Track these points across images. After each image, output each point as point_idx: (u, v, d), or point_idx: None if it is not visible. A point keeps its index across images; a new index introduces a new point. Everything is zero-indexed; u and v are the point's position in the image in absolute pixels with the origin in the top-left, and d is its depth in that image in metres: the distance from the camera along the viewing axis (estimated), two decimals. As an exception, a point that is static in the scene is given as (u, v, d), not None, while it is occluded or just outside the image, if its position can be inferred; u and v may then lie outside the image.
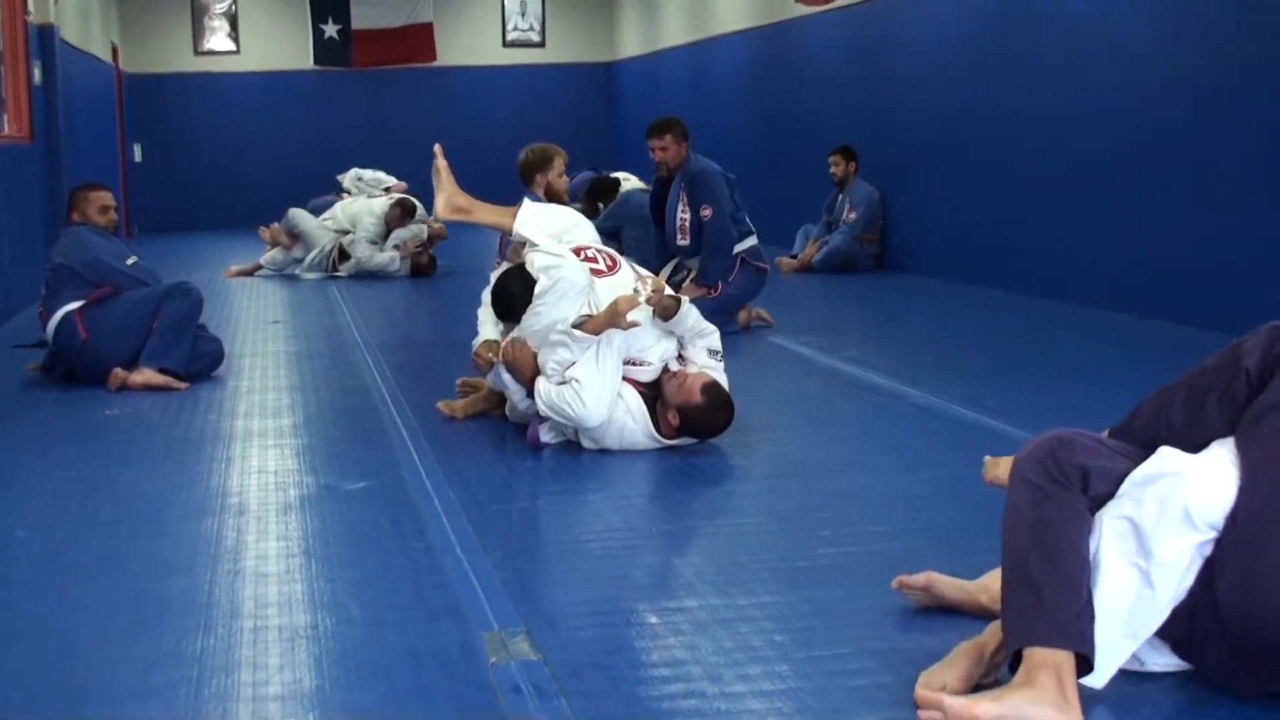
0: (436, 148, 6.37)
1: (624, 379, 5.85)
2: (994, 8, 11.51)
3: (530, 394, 5.91)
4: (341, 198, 15.04)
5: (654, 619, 3.93)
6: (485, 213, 6.31)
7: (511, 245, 6.39)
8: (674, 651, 3.64)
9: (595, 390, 5.68)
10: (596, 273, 6.02)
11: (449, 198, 6.29)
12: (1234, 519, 3.01)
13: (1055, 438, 3.20)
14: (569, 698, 3.32)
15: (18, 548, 4.83)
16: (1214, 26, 8.78)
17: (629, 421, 5.80)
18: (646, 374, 5.91)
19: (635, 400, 5.82)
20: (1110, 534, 3.08)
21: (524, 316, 5.95)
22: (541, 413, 5.83)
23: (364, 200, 14.47)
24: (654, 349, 5.90)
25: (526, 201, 6.36)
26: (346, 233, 13.91)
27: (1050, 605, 3.01)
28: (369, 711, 3.30)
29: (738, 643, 3.68)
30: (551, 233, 6.18)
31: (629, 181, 12.96)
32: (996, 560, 3.94)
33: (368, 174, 15.93)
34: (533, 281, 5.94)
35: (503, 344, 6.07)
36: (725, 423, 5.88)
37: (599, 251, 6.21)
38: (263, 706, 3.35)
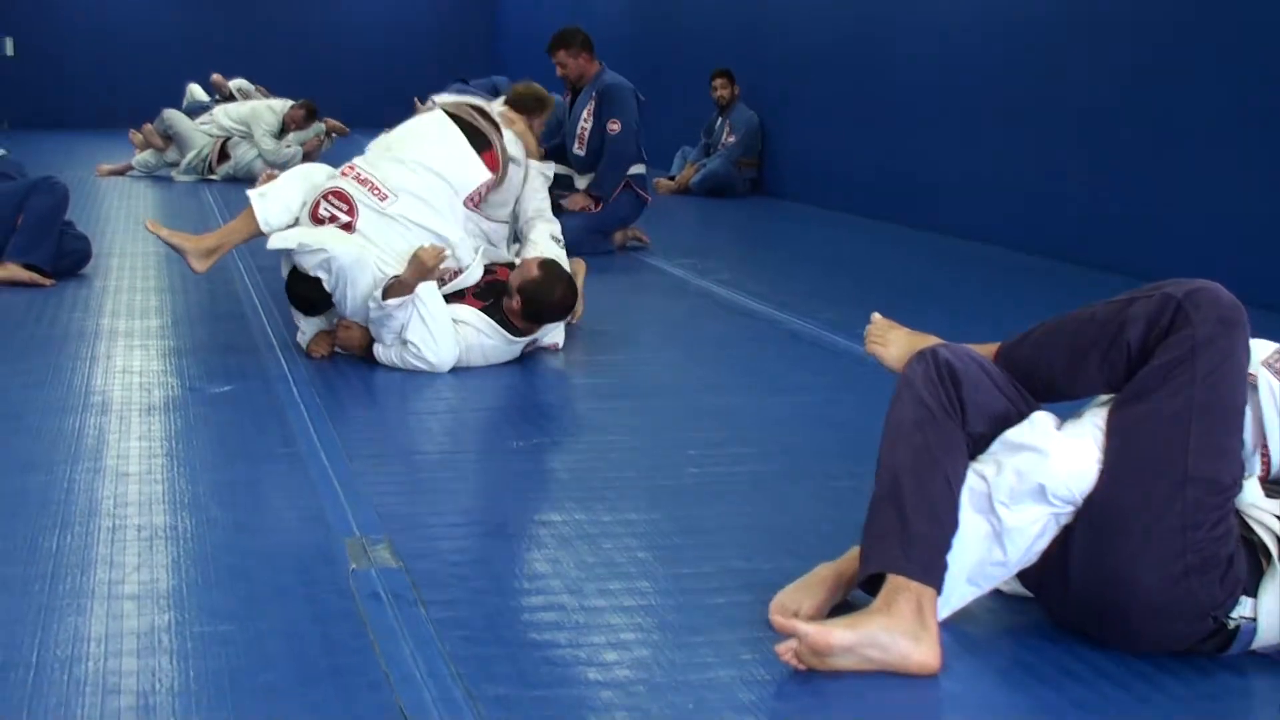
0: (148, 223, 6.07)
1: (460, 301, 5.83)
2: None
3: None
4: (215, 103, 14.84)
5: (516, 531, 3.94)
6: (231, 235, 5.98)
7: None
8: (536, 565, 3.66)
9: (433, 343, 5.65)
10: (345, 227, 5.77)
11: (192, 250, 5.92)
12: (1090, 502, 3.01)
13: (947, 360, 3.16)
14: (427, 606, 3.32)
15: None
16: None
17: (483, 340, 5.78)
18: (472, 277, 5.89)
19: (478, 318, 5.79)
20: (969, 485, 3.10)
21: (337, 307, 5.82)
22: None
23: (259, 100, 14.39)
24: (463, 249, 5.88)
25: (251, 196, 5.93)
26: (227, 137, 13.75)
27: (915, 536, 3.02)
28: (226, 613, 3.28)
29: (600, 558, 3.69)
30: (297, 204, 5.91)
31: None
32: (855, 484, 4.01)
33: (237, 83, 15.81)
34: (315, 278, 5.73)
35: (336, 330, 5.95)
36: (565, 295, 5.85)
37: (331, 197, 5.85)
38: (118, 605, 3.31)
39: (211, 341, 6.31)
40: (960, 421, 3.11)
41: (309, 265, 5.67)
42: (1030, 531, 3.05)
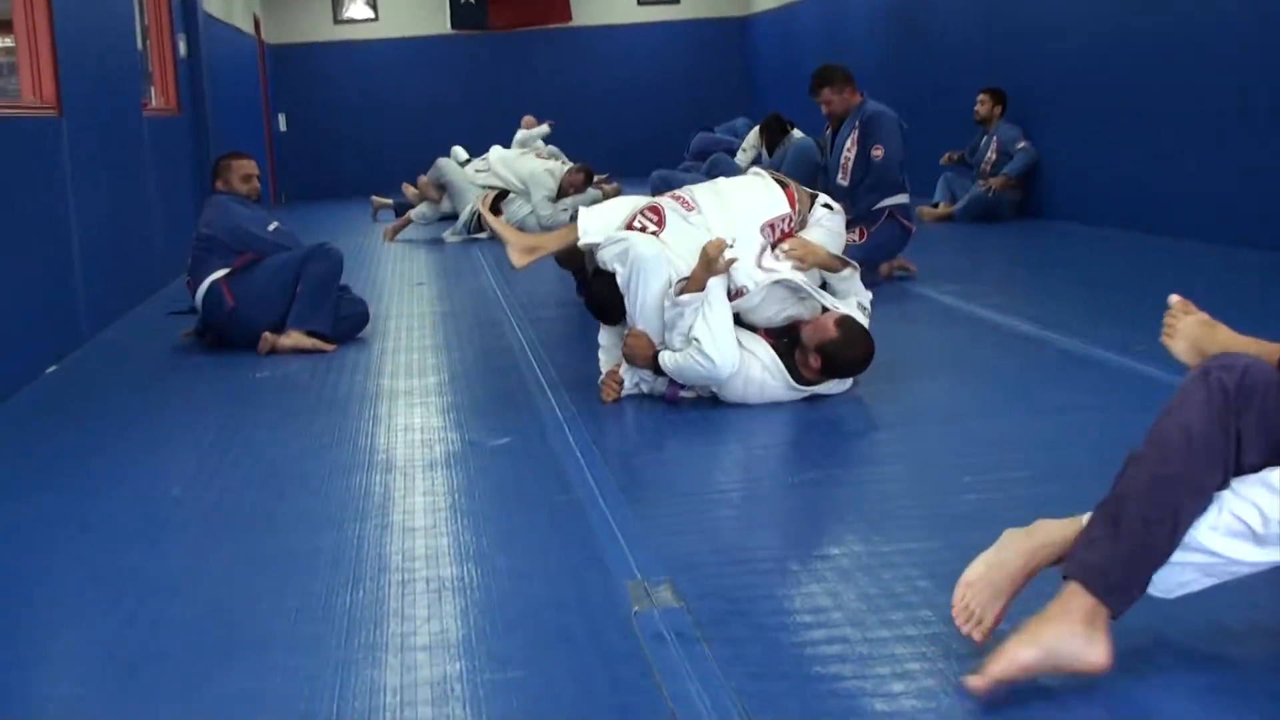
0: (480, 205, 6.37)
1: (754, 331, 5.86)
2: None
3: (657, 373, 5.92)
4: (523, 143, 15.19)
5: (796, 566, 3.95)
6: (553, 241, 6.33)
7: (560, 253, 6.32)
8: (817, 598, 3.65)
9: (712, 340, 5.64)
10: (653, 235, 5.95)
11: (515, 244, 6.28)
12: None
13: (1235, 387, 2.95)
14: (711, 644, 3.34)
15: (173, 505, 4.95)
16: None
17: (767, 378, 5.77)
18: (755, 298, 5.85)
19: (767, 353, 5.79)
20: (1226, 530, 2.92)
21: (628, 311, 5.93)
22: (680, 382, 5.85)
23: (536, 160, 14.47)
24: (742, 271, 5.85)
25: (583, 211, 6.26)
26: (502, 193, 13.86)
27: (1120, 558, 2.94)
28: (515, 659, 3.34)
29: (881, 589, 3.67)
30: (618, 224, 6.07)
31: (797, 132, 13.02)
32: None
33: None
34: (613, 279, 5.90)
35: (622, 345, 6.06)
36: (864, 353, 5.81)
37: (646, 211, 6.08)
38: (410, 656, 3.40)
39: (487, 395, 6.45)
40: (1229, 457, 2.94)
41: (608, 257, 5.88)
42: None
